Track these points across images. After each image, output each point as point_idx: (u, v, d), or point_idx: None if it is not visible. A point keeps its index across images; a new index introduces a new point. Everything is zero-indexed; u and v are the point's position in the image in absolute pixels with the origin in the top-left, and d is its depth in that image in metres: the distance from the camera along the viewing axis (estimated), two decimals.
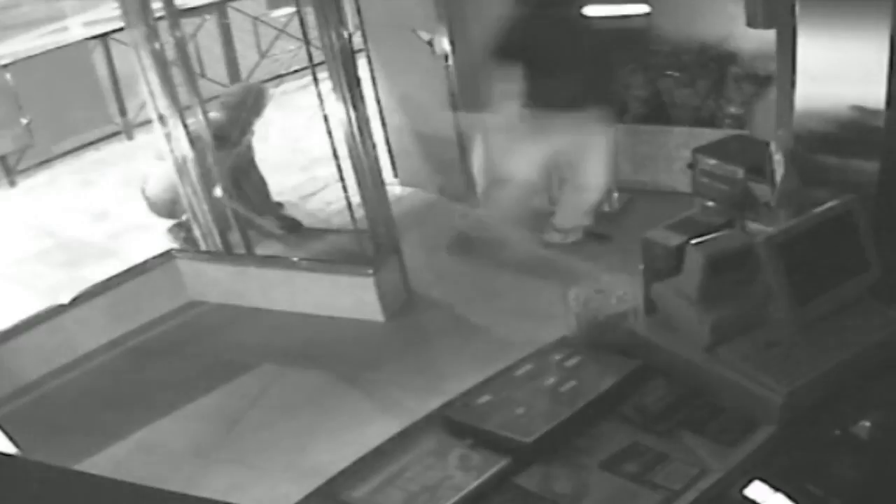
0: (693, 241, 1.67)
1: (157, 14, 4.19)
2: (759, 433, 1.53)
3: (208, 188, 4.49)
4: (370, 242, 4.27)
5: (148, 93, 4.28)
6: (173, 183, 4.52)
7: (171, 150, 4.38)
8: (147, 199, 5.06)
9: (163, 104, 4.25)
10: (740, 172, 3.05)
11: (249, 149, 5.10)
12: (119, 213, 5.89)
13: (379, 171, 4.18)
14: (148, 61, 4.16)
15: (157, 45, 4.15)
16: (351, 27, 5.04)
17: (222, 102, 4.96)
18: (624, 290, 1.82)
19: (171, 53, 4.26)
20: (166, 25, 4.24)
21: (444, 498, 1.43)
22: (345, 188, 4.13)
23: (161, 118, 4.30)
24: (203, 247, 4.64)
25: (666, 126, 4.92)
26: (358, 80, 3.95)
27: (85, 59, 6.73)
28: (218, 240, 4.60)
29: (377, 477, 1.49)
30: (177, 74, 4.33)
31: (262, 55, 8.68)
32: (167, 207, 4.88)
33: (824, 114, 2.01)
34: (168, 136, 4.35)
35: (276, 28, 8.56)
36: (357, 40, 4.79)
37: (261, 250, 4.73)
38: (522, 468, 1.49)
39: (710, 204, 3.24)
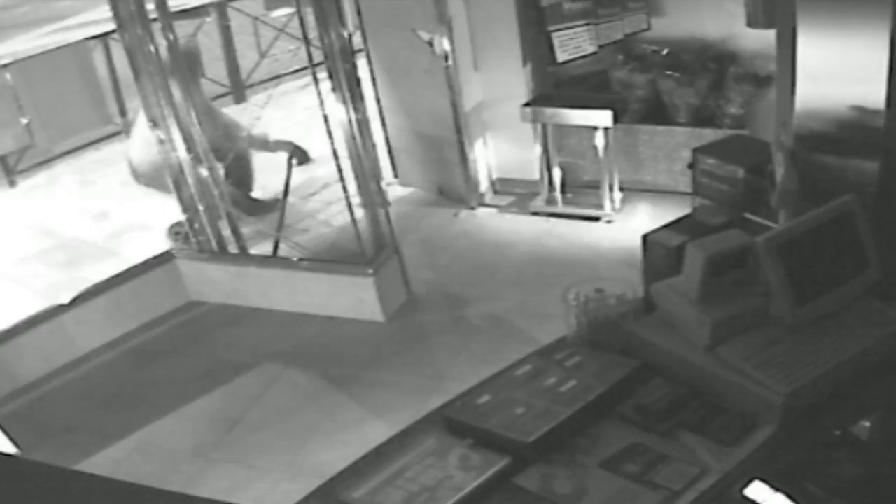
0: (693, 241, 1.67)
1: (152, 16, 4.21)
2: (759, 433, 1.53)
3: (204, 190, 4.49)
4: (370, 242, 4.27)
5: (141, 96, 4.29)
6: (157, 150, 4.39)
7: (166, 153, 4.38)
8: (131, 164, 4.97)
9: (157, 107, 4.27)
10: (740, 172, 3.05)
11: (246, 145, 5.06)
12: (119, 213, 5.90)
13: (379, 171, 4.18)
14: (141, 64, 4.17)
15: (150, 48, 4.15)
16: (351, 27, 5.04)
17: None
18: (624, 290, 1.82)
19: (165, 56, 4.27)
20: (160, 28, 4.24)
21: (444, 498, 1.42)
22: (345, 188, 4.13)
23: (154, 121, 4.31)
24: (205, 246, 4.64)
25: (666, 126, 4.93)
26: (358, 80, 3.96)
27: (85, 59, 6.73)
28: (214, 242, 4.61)
29: (377, 477, 1.49)
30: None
31: (262, 55, 8.68)
32: (151, 175, 4.73)
33: (824, 114, 2.01)
34: (161, 140, 4.35)
35: (276, 28, 8.56)
36: (357, 40, 4.79)
37: (256, 250, 4.74)
38: (522, 468, 1.49)
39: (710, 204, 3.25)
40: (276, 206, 5.16)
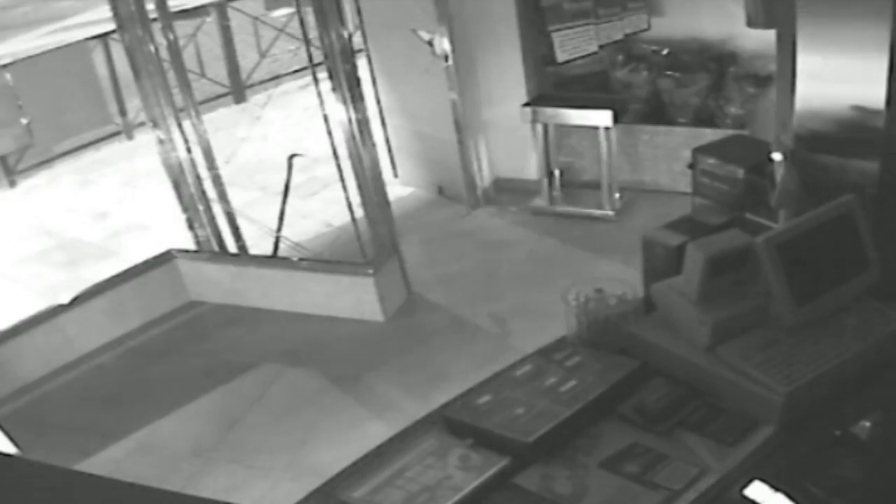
0: (693, 241, 1.67)
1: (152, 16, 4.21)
2: (759, 433, 1.52)
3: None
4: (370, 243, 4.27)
5: (141, 96, 4.29)
6: None
7: (166, 153, 4.38)
8: None
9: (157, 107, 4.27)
10: (740, 172, 3.04)
11: None
12: (119, 213, 5.90)
13: (379, 171, 4.18)
14: (141, 64, 4.17)
15: (150, 48, 4.15)
16: (351, 27, 5.04)
17: None
18: (624, 290, 1.82)
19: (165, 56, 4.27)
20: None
21: (444, 498, 1.42)
22: (345, 188, 4.13)
23: (154, 121, 4.31)
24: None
25: (666, 126, 4.93)
26: (358, 80, 3.96)
27: (85, 59, 6.74)
28: (214, 242, 4.60)
29: (377, 477, 1.49)
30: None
31: (262, 55, 8.69)
32: None
33: (824, 114, 2.01)
34: (162, 140, 4.35)
35: (276, 28, 8.57)
36: (357, 40, 4.79)
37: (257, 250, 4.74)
38: (522, 468, 1.49)
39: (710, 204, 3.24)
40: None
